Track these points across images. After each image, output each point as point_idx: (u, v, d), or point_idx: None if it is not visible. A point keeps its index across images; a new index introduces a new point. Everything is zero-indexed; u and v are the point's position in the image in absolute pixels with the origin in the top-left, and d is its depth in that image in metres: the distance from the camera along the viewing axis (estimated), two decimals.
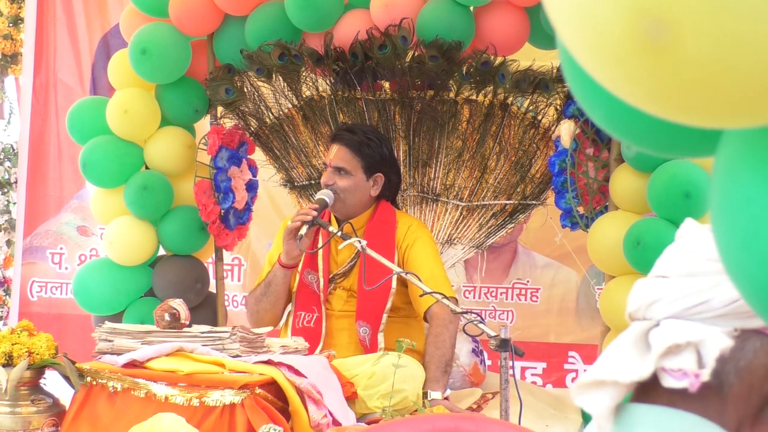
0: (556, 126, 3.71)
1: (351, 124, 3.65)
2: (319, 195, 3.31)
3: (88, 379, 2.84)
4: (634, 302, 0.96)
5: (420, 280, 2.95)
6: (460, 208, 3.83)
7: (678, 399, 0.91)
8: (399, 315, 3.34)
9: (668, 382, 0.90)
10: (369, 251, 3.01)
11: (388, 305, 3.27)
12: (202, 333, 2.95)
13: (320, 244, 3.34)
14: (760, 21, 0.66)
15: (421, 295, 3.01)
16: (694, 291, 0.91)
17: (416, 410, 2.88)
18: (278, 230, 3.56)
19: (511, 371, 2.63)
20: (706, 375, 0.88)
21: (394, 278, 3.17)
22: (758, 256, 0.71)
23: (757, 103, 0.69)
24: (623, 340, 0.93)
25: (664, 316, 0.92)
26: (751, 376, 0.90)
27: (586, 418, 3.50)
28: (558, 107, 3.71)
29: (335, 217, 3.41)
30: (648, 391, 0.93)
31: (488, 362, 3.80)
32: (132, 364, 2.83)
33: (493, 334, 2.65)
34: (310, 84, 3.78)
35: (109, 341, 2.94)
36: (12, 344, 2.87)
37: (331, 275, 3.40)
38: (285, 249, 3.31)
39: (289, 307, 3.47)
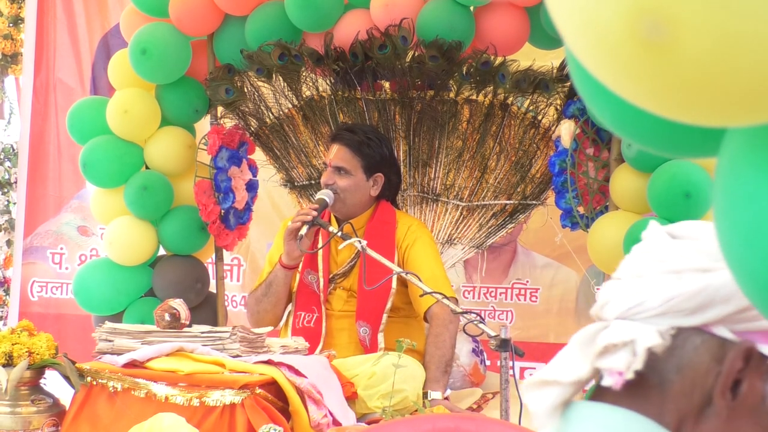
0: (556, 126, 3.71)
1: (351, 123, 3.65)
2: (319, 195, 3.32)
3: (88, 379, 2.84)
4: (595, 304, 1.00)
5: (420, 280, 2.95)
6: (460, 208, 3.83)
7: (622, 397, 0.94)
8: (399, 315, 3.34)
9: (604, 380, 0.93)
10: (369, 251, 3.01)
11: (388, 305, 3.27)
12: (202, 333, 2.95)
13: (320, 245, 3.34)
14: (759, 19, 0.66)
15: (421, 295, 3.01)
16: (634, 292, 0.94)
17: (416, 410, 2.88)
18: (278, 230, 3.56)
19: (511, 371, 2.63)
20: (629, 373, 0.90)
21: (394, 278, 3.17)
22: (761, 253, 0.71)
23: (756, 101, 0.69)
24: (574, 341, 0.96)
25: (613, 316, 0.95)
26: (693, 373, 0.92)
27: None
28: (558, 107, 3.71)
29: (335, 217, 3.41)
30: (600, 389, 0.96)
31: (488, 362, 3.80)
32: (132, 364, 2.83)
33: (493, 334, 2.65)
34: (310, 84, 3.78)
35: (109, 341, 2.94)
36: (12, 344, 2.87)
37: (331, 275, 3.40)
38: (286, 250, 3.31)
39: (289, 307, 3.47)
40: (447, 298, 2.95)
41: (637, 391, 0.93)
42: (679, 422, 0.93)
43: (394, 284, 3.24)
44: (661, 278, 0.93)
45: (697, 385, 0.92)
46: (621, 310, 0.94)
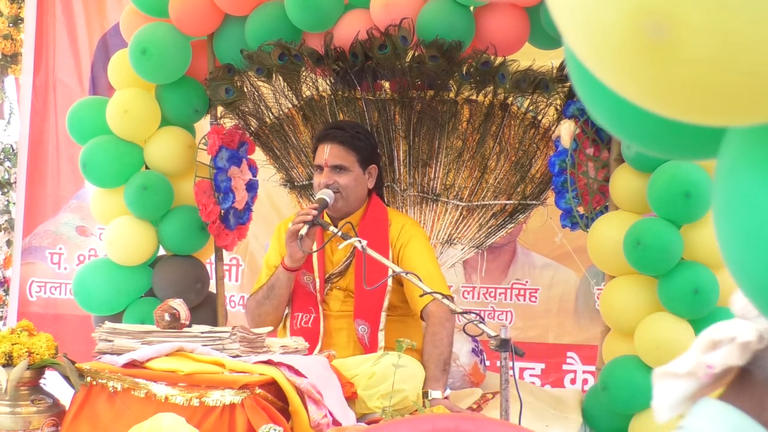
0: (556, 126, 3.71)
1: (335, 122, 3.65)
2: (319, 195, 3.31)
3: (88, 379, 2.83)
4: None
5: (420, 280, 2.95)
6: (460, 208, 3.83)
7: (732, 393, 0.99)
8: (396, 313, 3.34)
9: (699, 372, 0.99)
10: (370, 251, 3.00)
11: (385, 304, 3.27)
12: (202, 333, 2.95)
13: (321, 244, 3.33)
14: (760, 20, 0.66)
15: (421, 296, 3.01)
16: None
17: (416, 410, 2.88)
18: (273, 233, 3.56)
19: (511, 371, 2.63)
20: (718, 367, 0.96)
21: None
22: (760, 254, 0.71)
23: (756, 101, 0.69)
24: (700, 336, 1.02)
25: (737, 315, 1.01)
26: None
27: (586, 418, 3.50)
28: (558, 107, 3.71)
29: (329, 216, 3.40)
30: (726, 388, 1.02)
31: (488, 362, 3.80)
32: (132, 364, 2.83)
33: (493, 334, 2.65)
34: (310, 84, 3.78)
35: (109, 341, 2.94)
36: (12, 344, 2.87)
37: (327, 275, 3.39)
38: (288, 252, 3.29)
39: (287, 309, 3.46)
40: (445, 297, 2.95)
41: (743, 388, 0.98)
42: None
43: (390, 282, 3.25)
44: None
45: None
46: (738, 310, 1.00)
